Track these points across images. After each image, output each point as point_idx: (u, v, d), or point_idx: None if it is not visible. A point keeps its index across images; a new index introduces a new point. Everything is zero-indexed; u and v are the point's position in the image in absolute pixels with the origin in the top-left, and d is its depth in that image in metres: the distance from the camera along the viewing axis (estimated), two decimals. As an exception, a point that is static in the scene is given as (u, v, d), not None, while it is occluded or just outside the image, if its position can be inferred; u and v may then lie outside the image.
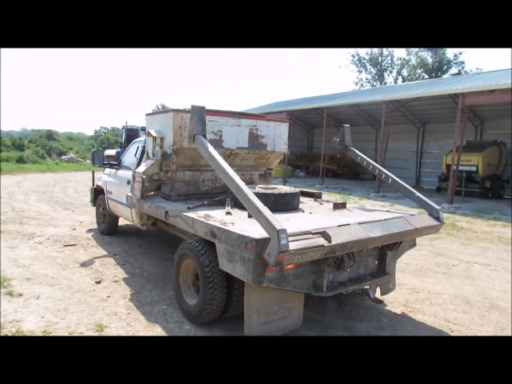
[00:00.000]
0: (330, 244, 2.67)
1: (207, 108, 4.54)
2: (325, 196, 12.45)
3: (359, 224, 3.14)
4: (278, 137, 5.15)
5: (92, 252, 5.63)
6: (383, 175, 4.40)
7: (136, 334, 3.24)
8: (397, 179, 4.25)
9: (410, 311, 3.99)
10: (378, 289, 3.93)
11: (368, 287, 3.53)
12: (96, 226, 6.99)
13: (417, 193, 4.05)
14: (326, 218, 3.53)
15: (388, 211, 4.18)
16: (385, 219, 3.55)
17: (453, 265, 5.67)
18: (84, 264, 5.01)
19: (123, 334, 3.24)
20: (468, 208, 11.27)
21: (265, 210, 2.54)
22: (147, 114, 4.86)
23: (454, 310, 4.05)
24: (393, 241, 3.51)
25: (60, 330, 3.24)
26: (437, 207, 3.85)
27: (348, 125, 4.89)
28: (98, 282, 4.38)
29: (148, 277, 4.64)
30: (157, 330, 3.31)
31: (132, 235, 6.64)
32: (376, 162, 16.75)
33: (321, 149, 17.45)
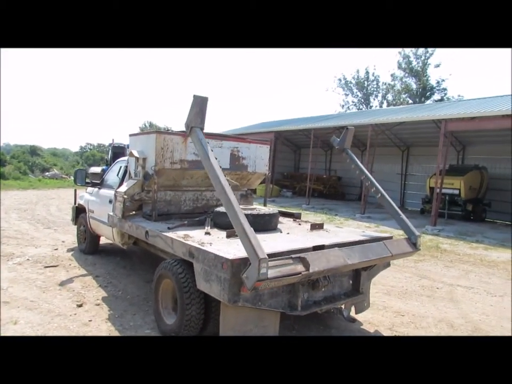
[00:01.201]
0: (307, 271, 2.70)
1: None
2: (311, 216, 12.61)
3: (339, 248, 3.16)
4: (259, 158, 5.29)
5: (73, 273, 5.49)
6: (374, 188, 4.33)
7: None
8: (386, 195, 4.18)
9: (395, 335, 3.99)
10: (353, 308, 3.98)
11: (343, 306, 3.56)
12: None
13: (402, 215, 4.02)
14: (302, 239, 3.64)
15: (363, 232, 4.26)
16: (364, 241, 3.64)
17: (437, 288, 5.73)
18: (65, 287, 4.87)
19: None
20: (451, 231, 11.49)
21: (250, 232, 2.54)
22: (130, 135, 4.95)
23: (438, 334, 4.06)
24: (369, 265, 3.59)
25: (37, 356, 3.12)
26: (417, 233, 3.87)
27: (353, 128, 4.72)
28: (80, 306, 4.25)
29: (131, 300, 4.55)
30: (138, 356, 3.22)
31: (116, 255, 6.52)
32: (361, 183, 16.78)
33: (308, 169, 17.65)
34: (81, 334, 3.58)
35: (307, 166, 18.77)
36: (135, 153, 4.51)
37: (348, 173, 22.40)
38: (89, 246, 6.42)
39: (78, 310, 4.16)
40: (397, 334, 4.00)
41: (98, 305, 4.33)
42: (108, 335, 3.58)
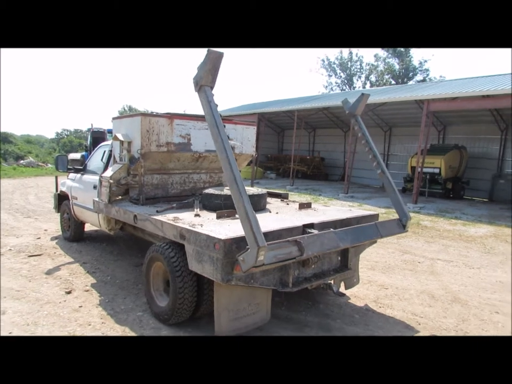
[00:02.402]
0: (302, 256, 2.75)
1: (174, 112, 4.51)
2: (295, 196, 12.73)
3: (334, 231, 3.20)
4: (245, 140, 5.27)
5: (59, 261, 5.42)
6: (375, 162, 4.17)
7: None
8: (387, 172, 4.10)
9: (380, 307, 4.15)
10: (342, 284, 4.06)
11: (332, 281, 3.66)
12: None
13: (398, 195, 3.98)
14: (292, 218, 3.70)
15: (350, 210, 4.37)
16: (352, 219, 3.77)
17: (419, 262, 5.93)
18: (51, 275, 4.81)
19: (97, 343, 3.16)
20: (431, 208, 11.83)
21: (252, 216, 2.43)
22: (113, 118, 4.84)
23: (420, 304, 4.25)
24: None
25: (30, 343, 3.11)
26: (409, 215, 3.89)
27: (368, 94, 4.42)
28: (69, 293, 4.23)
29: (120, 284, 4.54)
30: (133, 338, 3.26)
31: (102, 242, 6.46)
32: (345, 164, 16.90)
33: (292, 150, 17.70)
34: (72, 320, 3.58)
35: (291, 148, 18.81)
36: (120, 137, 4.42)
37: (331, 154, 22.62)
38: (74, 234, 6.31)
39: (67, 296, 4.14)
40: (382, 306, 4.15)
41: (87, 291, 4.31)
42: (103, 333, 3.55)
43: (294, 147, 17.32)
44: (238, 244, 2.68)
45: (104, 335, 3.25)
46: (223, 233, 2.83)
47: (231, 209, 3.52)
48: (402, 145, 19.38)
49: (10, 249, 5.87)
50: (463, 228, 8.93)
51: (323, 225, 3.43)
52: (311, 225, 3.33)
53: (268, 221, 3.44)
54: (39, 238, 6.65)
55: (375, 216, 4.14)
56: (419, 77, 36.50)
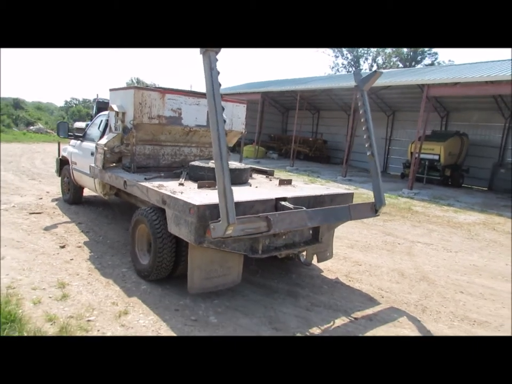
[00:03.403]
0: (268, 231, 3.02)
1: (170, 87, 4.74)
2: (293, 177, 12.93)
3: (305, 211, 3.41)
4: (235, 117, 5.51)
5: (57, 219, 5.80)
6: (368, 143, 4.15)
7: (95, 292, 3.53)
8: (376, 156, 4.12)
9: (349, 280, 4.43)
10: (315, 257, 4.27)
11: (304, 253, 3.91)
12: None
13: (379, 180, 4.06)
14: (268, 192, 3.97)
15: (328, 188, 4.61)
16: (325, 196, 3.99)
17: (398, 244, 6.15)
18: (49, 231, 5.19)
19: (84, 291, 3.53)
20: (426, 194, 11.88)
21: (229, 192, 2.58)
22: (111, 90, 5.11)
23: (388, 281, 4.52)
24: None
25: (24, 286, 3.50)
26: (384, 201, 4.07)
27: (381, 72, 4.37)
28: (63, 247, 4.61)
29: (111, 244, 4.90)
30: (115, 289, 3.62)
31: (98, 206, 6.82)
32: (346, 147, 16.45)
33: (293, 131, 17.72)
34: (63, 270, 3.96)
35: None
36: (115, 108, 4.69)
37: (334, 137, 22.57)
38: (73, 197, 6.69)
39: (61, 250, 4.52)
40: (351, 280, 4.43)
41: (79, 247, 4.69)
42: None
43: (297, 128, 17.33)
44: (211, 210, 2.97)
45: (105, 335, 2.99)
46: (198, 200, 3.11)
47: (213, 180, 3.78)
48: (404, 131, 19.24)
49: (14, 206, 6.28)
50: (453, 215, 9.02)
51: (296, 200, 3.69)
52: (283, 199, 3.59)
53: (245, 193, 3.71)
54: (41, 199, 7.06)
55: (350, 195, 4.38)
56: (427, 60, 35.78)
